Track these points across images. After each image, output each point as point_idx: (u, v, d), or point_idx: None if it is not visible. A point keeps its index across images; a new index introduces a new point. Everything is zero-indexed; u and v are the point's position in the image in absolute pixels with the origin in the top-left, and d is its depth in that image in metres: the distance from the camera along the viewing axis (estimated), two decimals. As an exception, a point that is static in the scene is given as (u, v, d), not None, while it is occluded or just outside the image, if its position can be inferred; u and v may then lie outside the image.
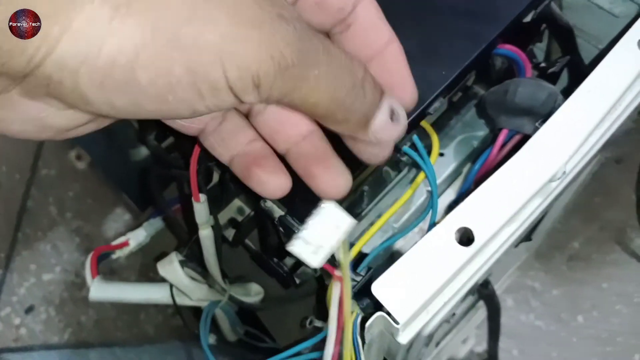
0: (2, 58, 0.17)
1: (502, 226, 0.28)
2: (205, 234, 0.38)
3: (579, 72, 0.36)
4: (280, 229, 0.32)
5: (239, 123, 0.26)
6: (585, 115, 0.30)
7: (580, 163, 0.32)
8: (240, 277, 0.44)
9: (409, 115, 0.32)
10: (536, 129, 0.30)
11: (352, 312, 0.31)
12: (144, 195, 0.50)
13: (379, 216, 0.34)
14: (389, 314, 0.27)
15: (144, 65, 0.18)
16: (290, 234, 0.31)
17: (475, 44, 0.33)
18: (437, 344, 0.56)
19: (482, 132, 0.40)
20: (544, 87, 0.34)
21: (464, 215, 0.27)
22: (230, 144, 0.26)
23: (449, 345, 0.62)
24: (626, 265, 0.81)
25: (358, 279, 0.32)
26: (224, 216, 0.41)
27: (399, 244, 0.37)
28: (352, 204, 0.35)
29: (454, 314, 0.53)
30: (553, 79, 0.39)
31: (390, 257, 0.37)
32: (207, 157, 0.33)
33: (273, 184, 0.25)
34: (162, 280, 0.43)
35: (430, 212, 0.34)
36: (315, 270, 0.35)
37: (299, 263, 0.38)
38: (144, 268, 0.82)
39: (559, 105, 0.30)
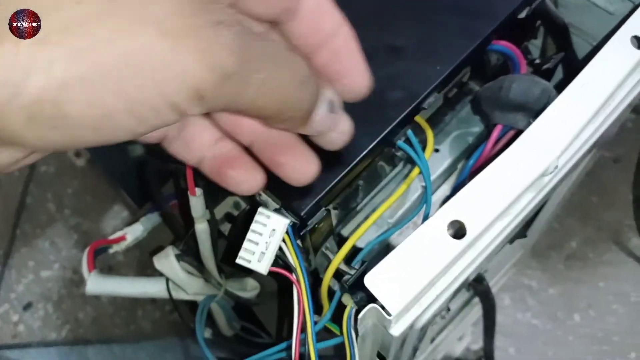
0: None
1: (494, 220, 0.28)
2: (202, 228, 0.39)
3: (574, 68, 0.36)
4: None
5: (201, 124, 0.26)
6: (578, 110, 0.30)
7: (573, 158, 0.32)
8: (236, 271, 0.44)
9: (403, 109, 0.32)
10: (530, 125, 0.30)
11: (347, 305, 0.32)
12: (141, 192, 0.50)
13: (374, 211, 0.34)
14: (381, 306, 0.27)
15: (71, 100, 0.17)
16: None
17: (469, 39, 0.33)
18: (433, 340, 0.56)
19: (478, 128, 0.40)
20: (538, 83, 0.34)
21: (456, 208, 0.28)
22: (195, 148, 0.26)
23: (445, 342, 0.62)
24: (623, 264, 0.82)
25: (352, 272, 0.32)
26: (220, 211, 0.41)
27: (393, 239, 0.37)
28: (347, 198, 0.35)
29: (448, 310, 0.54)
30: (547, 75, 0.39)
31: (384, 251, 0.38)
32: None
33: (248, 183, 0.25)
34: (159, 275, 0.43)
35: (424, 207, 0.34)
36: (309, 264, 0.36)
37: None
38: (141, 265, 0.82)
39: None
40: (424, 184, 0.37)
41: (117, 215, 0.87)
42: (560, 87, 0.31)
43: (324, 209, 0.31)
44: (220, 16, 0.18)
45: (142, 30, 0.17)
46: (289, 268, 0.29)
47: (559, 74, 0.41)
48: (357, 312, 0.29)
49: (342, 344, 0.31)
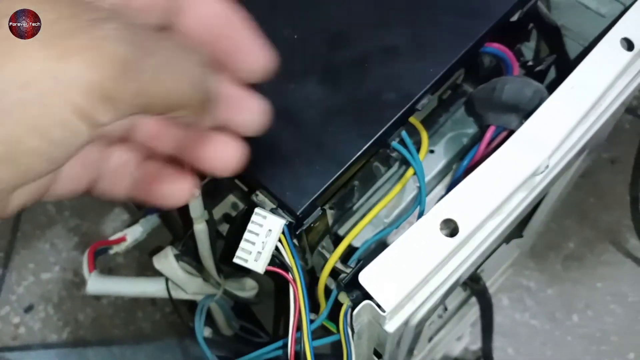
0: None
1: (487, 218, 0.29)
2: (200, 229, 0.39)
3: (566, 70, 0.37)
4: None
5: (119, 153, 0.25)
6: (569, 110, 0.30)
7: (565, 158, 0.33)
8: (234, 271, 0.44)
9: (397, 111, 0.33)
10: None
11: (343, 304, 0.32)
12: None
13: (370, 210, 0.35)
14: (376, 303, 0.27)
15: None
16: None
17: (462, 42, 0.34)
18: (431, 339, 0.57)
19: (472, 129, 0.41)
20: (530, 84, 0.34)
21: (448, 207, 0.28)
22: (120, 179, 0.25)
23: (443, 342, 0.63)
24: (620, 265, 0.82)
25: (348, 271, 0.33)
26: (218, 211, 0.41)
27: (389, 238, 0.38)
28: (343, 198, 0.36)
29: (446, 309, 0.54)
30: (540, 77, 0.40)
31: (380, 250, 0.38)
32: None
33: (173, 195, 0.25)
34: (159, 275, 0.44)
35: (419, 207, 0.35)
36: (306, 263, 0.36)
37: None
38: (141, 267, 0.82)
39: (545, 102, 0.31)
40: (419, 184, 0.38)
41: (116, 217, 0.87)
42: (552, 89, 0.32)
43: (319, 208, 0.31)
44: (101, 13, 0.18)
45: (25, 47, 0.17)
46: (285, 267, 0.30)
47: (552, 76, 0.42)
48: (354, 309, 0.29)
49: (339, 342, 0.32)
